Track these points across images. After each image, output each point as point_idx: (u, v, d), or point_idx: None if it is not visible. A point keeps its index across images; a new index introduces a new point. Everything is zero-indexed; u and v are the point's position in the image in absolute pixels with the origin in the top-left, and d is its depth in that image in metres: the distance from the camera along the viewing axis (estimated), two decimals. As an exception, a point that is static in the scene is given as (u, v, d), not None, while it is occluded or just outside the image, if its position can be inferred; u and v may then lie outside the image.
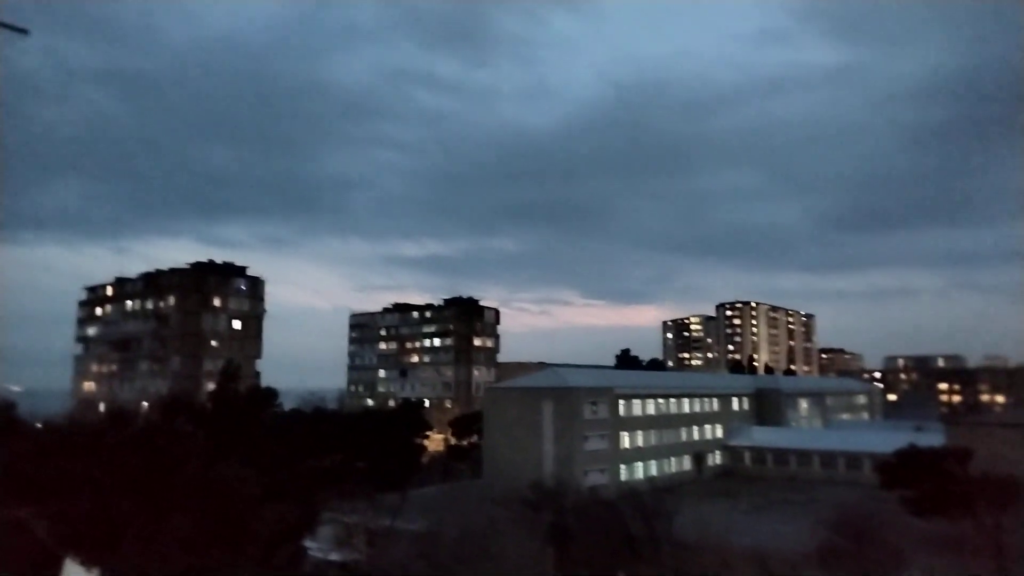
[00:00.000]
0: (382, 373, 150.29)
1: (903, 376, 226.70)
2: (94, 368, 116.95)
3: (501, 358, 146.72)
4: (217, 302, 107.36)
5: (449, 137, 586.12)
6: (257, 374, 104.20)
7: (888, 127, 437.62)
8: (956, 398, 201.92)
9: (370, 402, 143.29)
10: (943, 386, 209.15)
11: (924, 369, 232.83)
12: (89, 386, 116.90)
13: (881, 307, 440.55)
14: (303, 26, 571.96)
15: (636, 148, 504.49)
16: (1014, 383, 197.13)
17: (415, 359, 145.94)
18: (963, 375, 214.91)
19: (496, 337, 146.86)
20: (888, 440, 67.99)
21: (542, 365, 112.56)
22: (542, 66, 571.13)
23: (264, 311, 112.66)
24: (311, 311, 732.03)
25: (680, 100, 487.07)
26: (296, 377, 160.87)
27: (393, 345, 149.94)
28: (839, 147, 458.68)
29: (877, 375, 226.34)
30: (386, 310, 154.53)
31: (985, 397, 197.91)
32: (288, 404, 61.62)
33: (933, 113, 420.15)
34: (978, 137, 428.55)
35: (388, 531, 46.57)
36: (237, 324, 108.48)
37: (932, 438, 63.38)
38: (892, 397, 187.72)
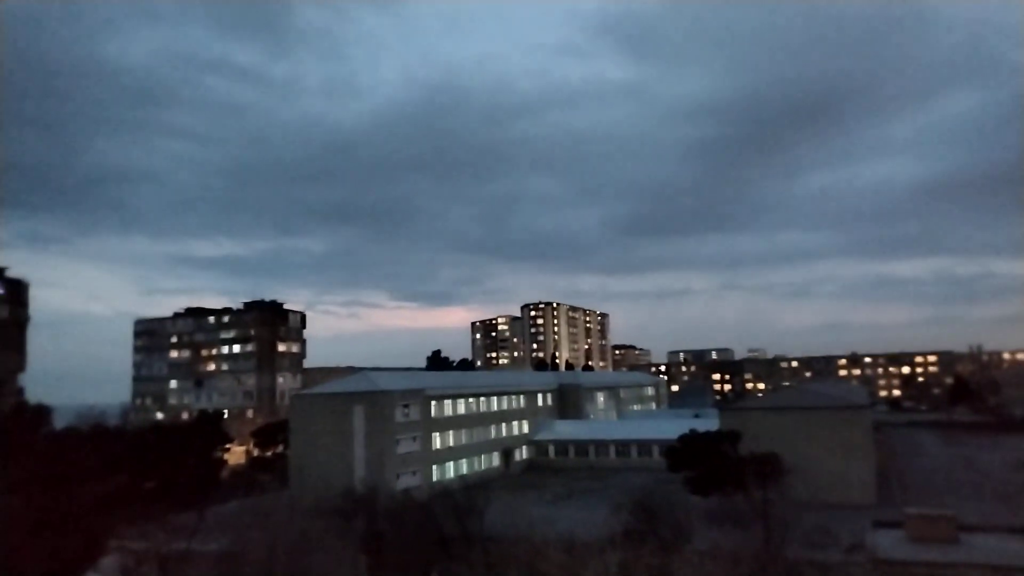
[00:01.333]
0: (174, 384, 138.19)
1: (684, 368, 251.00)
2: None
3: (308, 363, 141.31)
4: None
5: (249, 130, 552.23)
6: (20, 390, 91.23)
7: (672, 142, 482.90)
8: (727, 387, 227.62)
9: (160, 416, 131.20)
10: (716, 376, 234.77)
11: (701, 362, 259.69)
12: None
13: (665, 306, 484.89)
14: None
15: (444, 150, 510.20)
16: (772, 372, 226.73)
17: (212, 367, 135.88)
18: (732, 366, 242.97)
19: (302, 342, 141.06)
20: (672, 427, 75.11)
21: (352, 369, 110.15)
22: (348, 62, 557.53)
23: (28, 318, 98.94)
24: (88, 317, 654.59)
25: (485, 105, 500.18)
26: (71, 391, 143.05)
27: (187, 353, 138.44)
28: (630, 158, 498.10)
29: (663, 368, 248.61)
30: (178, 315, 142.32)
31: (750, 385, 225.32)
32: (62, 422, 54.75)
33: (709, 129, 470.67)
34: (745, 153, 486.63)
35: (184, 555, 43.10)
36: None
37: (709, 423, 70.98)
38: (675, 388, 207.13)
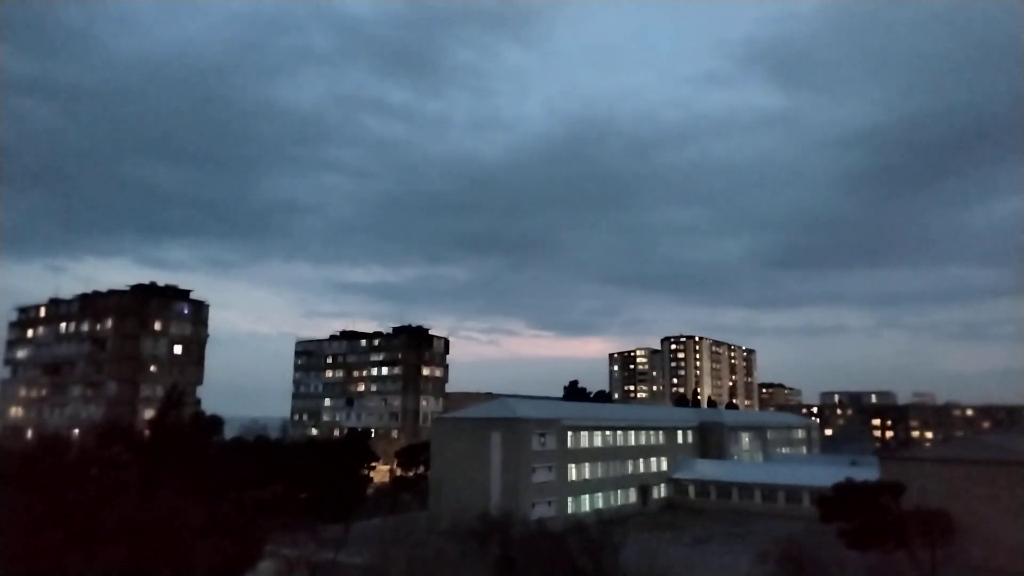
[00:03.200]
0: (328, 402, 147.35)
1: (838, 411, 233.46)
2: (22, 393, 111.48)
3: (449, 388, 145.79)
4: (158, 326, 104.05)
5: (400, 165, 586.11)
6: (198, 401, 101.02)
7: (823, 171, 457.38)
8: (888, 433, 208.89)
9: (314, 431, 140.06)
10: (876, 422, 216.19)
11: (858, 405, 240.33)
12: (16, 412, 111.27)
13: (817, 344, 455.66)
14: (255, 47, 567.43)
15: (584, 182, 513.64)
16: (942, 420, 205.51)
17: (362, 388, 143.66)
18: (894, 411, 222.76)
19: (445, 367, 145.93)
20: (825, 474, 69.91)
21: (490, 395, 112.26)
22: (494, 98, 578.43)
23: (207, 336, 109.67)
24: (255, 336, 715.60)
25: (627, 137, 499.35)
26: (239, 404, 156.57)
27: (340, 373, 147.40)
28: (778, 188, 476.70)
29: (814, 410, 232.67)
30: (333, 337, 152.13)
31: (915, 433, 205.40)
32: (230, 432, 59.97)
33: (864, 160, 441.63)
34: (904, 182, 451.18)
35: (331, 565, 45.46)
36: (178, 349, 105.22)
37: (867, 472, 65.39)
38: (828, 432, 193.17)
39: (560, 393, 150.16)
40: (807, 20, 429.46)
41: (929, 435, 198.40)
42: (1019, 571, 49.40)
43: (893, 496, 53.80)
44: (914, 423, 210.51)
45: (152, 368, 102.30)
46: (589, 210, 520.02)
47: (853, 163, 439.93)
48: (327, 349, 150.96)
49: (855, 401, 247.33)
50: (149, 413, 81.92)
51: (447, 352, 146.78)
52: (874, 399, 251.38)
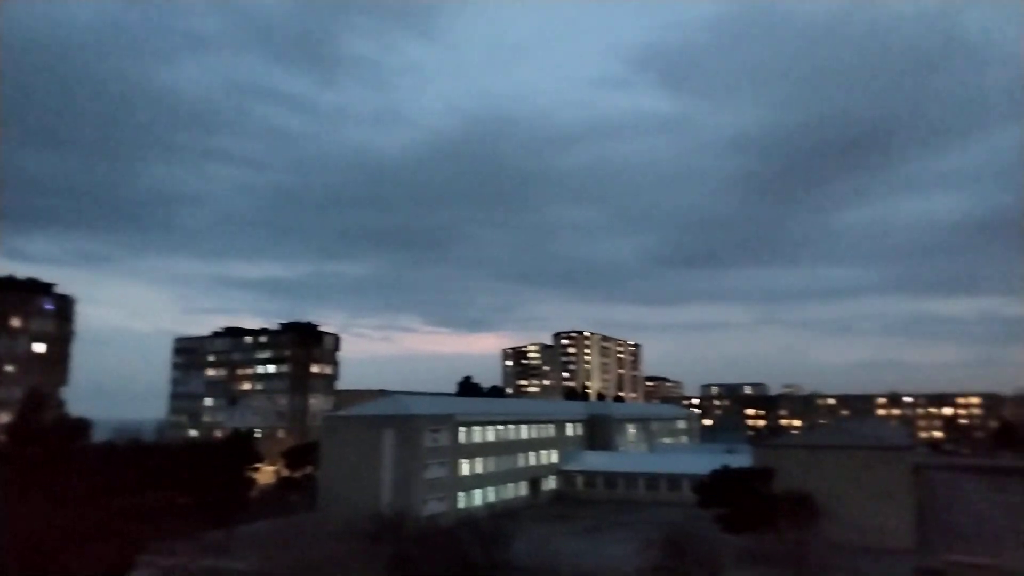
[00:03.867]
0: (209, 401, 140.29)
1: (717, 402, 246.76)
2: None
3: (341, 386, 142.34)
4: (16, 322, 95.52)
5: (294, 157, 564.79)
6: (62, 403, 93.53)
7: (710, 175, 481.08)
8: (761, 422, 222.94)
9: (194, 433, 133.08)
10: (750, 411, 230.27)
11: (735, 396, 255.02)
12: None
13: (700, 338, 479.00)
14: (135, 27, 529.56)
15: (483, 179, 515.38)
16: (808, 409, 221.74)
17: (247, 387, 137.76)
18: (766, 401, 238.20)
19: (335, 364, 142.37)
20: (704, 462, 73.81)
21: (383, 393, 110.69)
22: (392, 92, 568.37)
23: (73, 333, 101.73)
24: (131, 334, 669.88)
25: (526, 136, 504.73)
26: (110, 406, 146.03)
27: (223, 371, 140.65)
28: (668, 190, 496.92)
29: (695, 401, 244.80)
30: (216, 334, 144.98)
31: (785, 421, 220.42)
32: (101, 436, 55.95)
33: (748, 165, 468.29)
34: (786, 186, 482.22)
35: (212, 572, 43.52)
36: (40, 347, 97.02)
37: (741, 459, 69.57)
38: (707, 422, 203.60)
39: (454, 389, 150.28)
40: (696, 29, 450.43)
41: (796, 423, 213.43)
42: (875, 546, 54.05)
43: (764, 481, 57.60)
44: (784, 412, 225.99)
45: (9, 368, 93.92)
46: (488, 207, 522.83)
47: (738, 167, 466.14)
48: (209, 347, 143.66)
49: (732, 393, 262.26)
50: (4, 418, 75.26)
51: (338, 349, 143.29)
52: (749, 390, 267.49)
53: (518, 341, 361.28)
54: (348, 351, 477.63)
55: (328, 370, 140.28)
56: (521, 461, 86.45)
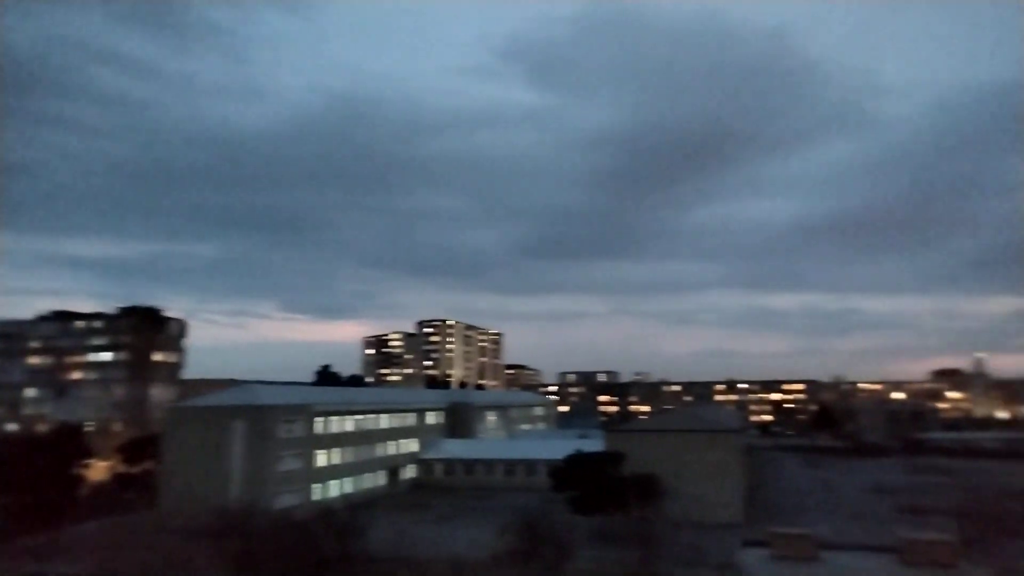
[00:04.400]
0: (31, 392, 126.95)
1: (573, 390, 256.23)
2: None
3: (187, 374, 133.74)
4: None
5: (138, 126, 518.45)
6: None
7: (573, 169, 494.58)
8: (613, 408, 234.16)
9: (14, 427, 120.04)
10: (604, 398, 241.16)
11: (589, 383, 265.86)
12: None
13: (559, 328, 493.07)
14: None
15: (345, 161, 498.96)
16: (656, 395, 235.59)
17: (78, 375, 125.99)
18: (618, 388, 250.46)
19: (181, 351, 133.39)
20: (559, 447, 76.48)
21: (233, 382, 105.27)
22: (250, 64, 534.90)
23: None
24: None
25: (394, 121, 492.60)
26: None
27: (49, 359, 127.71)
28: (533, 182, 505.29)
29: (552, 389, 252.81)
30: (42, 318, 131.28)
31: (634, 407, 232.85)
32: None
33: (608, 160, 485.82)
34: (640, 184, 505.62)
35: (33, 579, 39.64)
36: None
37: (594, 444, 72.81)
38: (564, 408, 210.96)
39: (312, 379, 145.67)
40: (560, 24, 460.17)
41: (645, 409, 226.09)
42: (711, 522, 58.33)
43: (614, 464, 60.56)
44: (634, 398, 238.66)
45: None
46: (350, 191, 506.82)
47: (597, 163, 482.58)
48: (32, 331, 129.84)
49: (587, 380, 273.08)
50: None
51: (184, 336, 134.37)
52: (603, 378, 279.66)
53: (380, 329, 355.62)
54: (196, 338, 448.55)
55: (172, 358, 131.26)
56: (380, 451, 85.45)
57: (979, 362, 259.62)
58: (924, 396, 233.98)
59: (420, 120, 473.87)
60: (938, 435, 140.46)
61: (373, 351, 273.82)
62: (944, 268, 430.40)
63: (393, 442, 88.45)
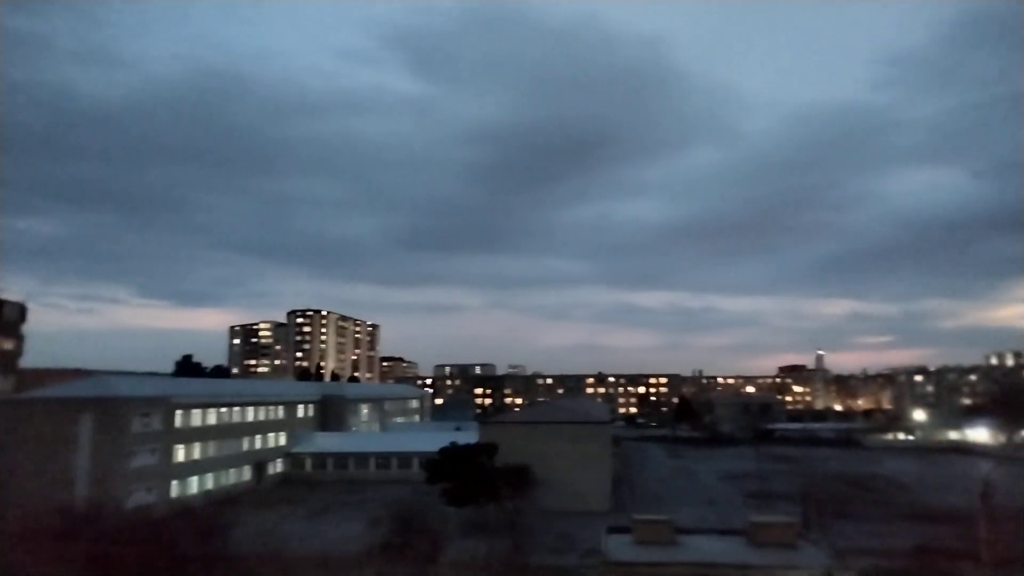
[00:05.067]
0: None
1: (449, 382, 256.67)
2: None
3: (27, 363, 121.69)
4: None
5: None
6: None
7: (453, 161, 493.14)
8: (489, 401, 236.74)
9: None
10: (479, 391, 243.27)
11: (465, 376, 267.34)
12: None
13: (436, 320, 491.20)
14: None
15: (213, 140, 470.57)
16: (530, 387, 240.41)
17: None
18: (494, 381, 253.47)
19: (19, 338, 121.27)
20: (433, 439, 76.43)
21: (80, 372, 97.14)
22: (106, 27, 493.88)
23: None
24: None
25: (267, 100, 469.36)
26: None
27: None
28: (412, 172, 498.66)
29: (428, 381, 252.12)
30: None
31: (509, 399, 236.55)
32: None
33: (488, 155, 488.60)
34: (519, 181, 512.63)
35: None
36: None
37: (469, 436, 73.33)
38: (439, 401, 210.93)
39: (172, 369, 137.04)
40: (444, 15, 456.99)
41: (520, 401, 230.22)
42: (580, 510, 60.35)
43: (488, 456, 61.31)
44: (509, 391, 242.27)
45: None
46: (218, 171, 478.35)
47: (477, 157, 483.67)
48: None
49: (463, 373, 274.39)
50: None
51: (23, 321, 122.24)
52: (479, 371, 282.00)
53: (248, 318, 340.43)
54: (38, 324, 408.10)
55: (8, 345, 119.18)
56: (246, 445, 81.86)
57: (819, 359, 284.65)
58: (773, 390, 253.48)
59: (295, 101, 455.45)
60: (784, 426, 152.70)
61: (240, 341, 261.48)
62: (792, 272, 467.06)
63: (260, 436, 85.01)
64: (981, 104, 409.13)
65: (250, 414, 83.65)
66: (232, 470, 78.43)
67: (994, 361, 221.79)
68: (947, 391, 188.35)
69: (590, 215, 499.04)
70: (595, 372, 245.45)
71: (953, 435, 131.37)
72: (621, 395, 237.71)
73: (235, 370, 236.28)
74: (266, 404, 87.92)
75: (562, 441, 67.45)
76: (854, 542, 47.59)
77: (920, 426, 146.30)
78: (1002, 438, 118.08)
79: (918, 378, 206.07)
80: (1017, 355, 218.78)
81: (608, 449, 71.90)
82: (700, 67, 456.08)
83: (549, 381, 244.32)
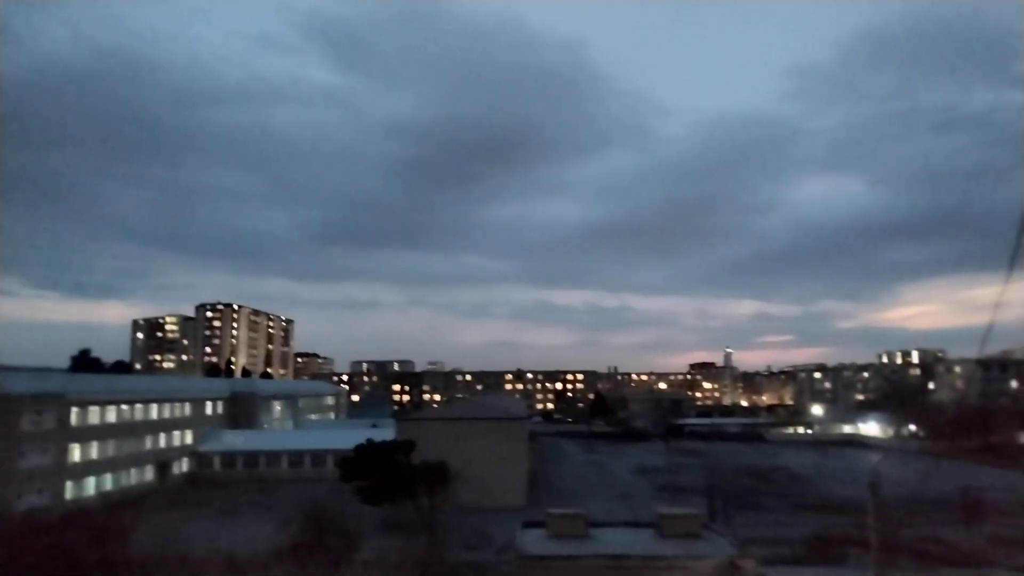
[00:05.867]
0: None
1: (366, 379, 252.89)
2: None
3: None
4: None
5: None
6: None
7: (372, 155, 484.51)
8: (407, 397, 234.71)
9: None
10: (397, 387, 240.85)
11: (383, 372, 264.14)
12: None
13: (353, 316, 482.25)
14: None
15: (114, 125, 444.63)
16: (448, 384, 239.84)
17: None
18: (412, 377, 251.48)
19: None
20: (349, 437, 75.17)
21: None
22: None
23: None
24: None
25: (176, 86, 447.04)
26: None
27: None
28: (330, 165, 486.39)
29: (345, 378, 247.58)
30: None
31: (428, 396, 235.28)
32: None
33: (409, 149, 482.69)
34: (440, 177, 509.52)
35: None
36: None
37: (386, 433, 72.52)
38: (356, 397, 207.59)
39: (68, 364, 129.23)
40: (367, 8, 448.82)
41: (438, 397, 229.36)
42: (497, 507, 60.73)
43: (405, 452, 60.83)
44: (428, 387, 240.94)
45: None
46: (120, 158, 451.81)
47: (398, 152, 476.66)
48: None
49: (381, 369, 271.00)
50: None
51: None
52: (397, 367, 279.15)
53: (153, 312, 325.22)
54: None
55: None
56: (149, 444, 78.25)
57: (728, 357, 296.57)
58: (684, 386, 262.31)
59: (206, 88, 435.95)
60: (694, 421, 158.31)
61: (144, 336, 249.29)
62: (702, 273, 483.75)
63: (164, 434, 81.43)
64: (877, 118, 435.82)
65: (153, 411, 79.99)
66: (133, 470, 74.85)
67: (885, 360, 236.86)
68: (843, 387, 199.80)
69: (510, 214, 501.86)
70: (514, 369, 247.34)
71: (848, 429, 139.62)
72: (539, 391, 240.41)
73: (138, 366, 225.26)
74: (171, 401, 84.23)
75: (479, 437, 67.69)
76: (755, 532, 49.92)
77: (818, 420, 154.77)
78: (890, 431, 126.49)
79: (817, 375, 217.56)
80: (905, 354, 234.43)
81: (525, 445, 72.65)
82: (619, 72, 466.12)
83: (468, 378, 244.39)
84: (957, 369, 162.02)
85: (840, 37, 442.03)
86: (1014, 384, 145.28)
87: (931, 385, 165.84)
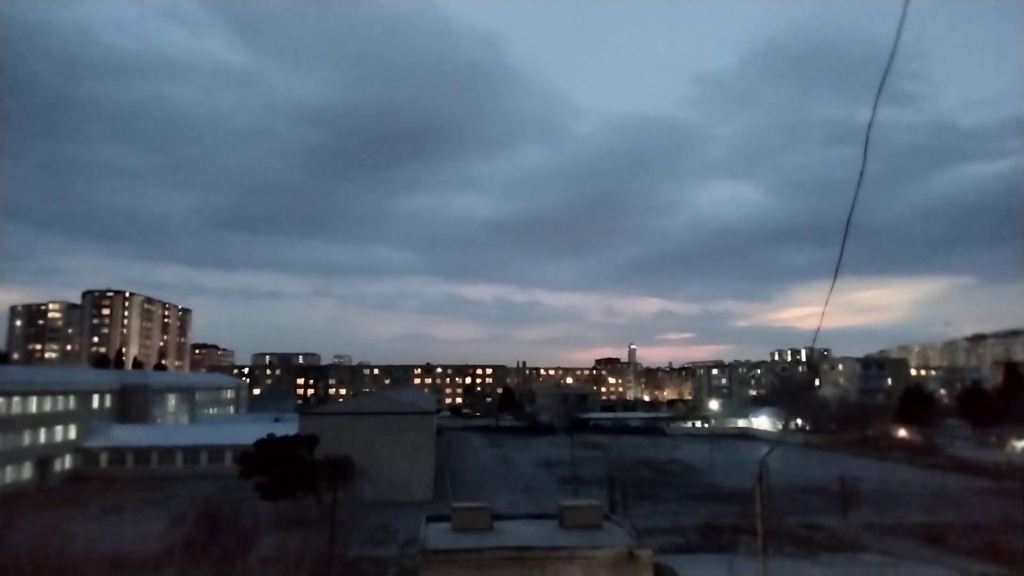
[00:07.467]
0: None
1: (268, 372, 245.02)
2: None
3: None
4: None
5: None
6: None
7: (278, 140, 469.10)
8: (311, 391, 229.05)
9: None
10: (301, 380, 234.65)
11: (287, 365, 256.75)
12: None
13: (255, 306, 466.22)
14: None
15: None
16: (355, 378, 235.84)
17: None
18: (318, 371, 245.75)
19: None
20: (249, 431, 72.80)
21: None
22: None
23: None
24: None
25: (60, 53, 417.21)
26: None
27: None
28: (233, 148, 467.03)
29: (246, 370, 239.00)
30: None
31: (333, 390, 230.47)
32: None
33: (317, 138, 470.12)
34: (349, 166, 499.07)
35: None
36: None
37: (288, 427, 70.66)
38: (257, 391, 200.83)
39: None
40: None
41: (344, 391, 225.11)
42: (403, 501, 60.35)
43: (308, 447, 59.52)
44: (334, 381, 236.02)
45: None
46: (1, 128, 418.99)
47: (306, 138, 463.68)
48: None
49: (285, 362, 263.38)
50: None
51: None
52: (301, 360, 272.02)
53: (34, 298, 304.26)
54: None
55: None
56: (27, 439, 73.02)
57: (631, 353, 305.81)
58: (589, 381, 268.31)
59: (95, 58, 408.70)
60: (598, 415, 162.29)
61: (23, 323, 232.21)
62: (608, 270, 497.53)
63: (45, 429, 76.19)
64: (774, 128, 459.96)
65: (32, 404, 74.71)
66: (9, 467, 69.72)
67: (776, 357, 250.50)
68: (738, 384, 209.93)
69: (420, 206, 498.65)
70: (423, 363, 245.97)
71: (741, 423, 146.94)
72: (448, 386, 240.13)
73: (15, 355, 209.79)
74: (52, 393, 78.89)
75: (386, 432, 67.04)
76: (653, 522, 51.89)
77: (715, 415, 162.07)
78: (779, 425, 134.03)
79: (715, 372, 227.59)
80: (795, 352, 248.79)
81: (432, 439, 72.49)
82: (534, 68, 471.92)
83: (376, 371, 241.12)
84: (840, 367, 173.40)
85: (741, 45, 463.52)
86: (889, 382, 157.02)
87: (817, 382, 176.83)
